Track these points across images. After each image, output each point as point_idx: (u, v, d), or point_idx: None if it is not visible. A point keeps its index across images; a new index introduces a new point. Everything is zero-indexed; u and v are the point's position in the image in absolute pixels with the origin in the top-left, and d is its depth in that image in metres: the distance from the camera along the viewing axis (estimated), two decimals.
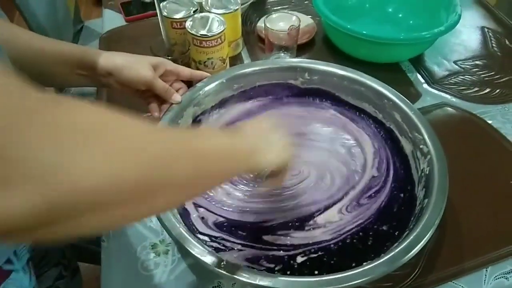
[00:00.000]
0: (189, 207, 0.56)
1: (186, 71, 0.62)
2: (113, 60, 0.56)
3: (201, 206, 0.56)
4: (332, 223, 0.53)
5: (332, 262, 0.50)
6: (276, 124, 0.48)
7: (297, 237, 0.53)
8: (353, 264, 0.49)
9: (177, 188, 0.32)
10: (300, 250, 0.51)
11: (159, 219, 0.49)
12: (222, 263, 0.44)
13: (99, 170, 0.24)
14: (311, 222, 0.54)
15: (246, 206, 0.56)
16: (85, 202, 0.23)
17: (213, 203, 0.56)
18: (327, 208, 0.55)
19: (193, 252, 0.45)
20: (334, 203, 0.56)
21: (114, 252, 0.56)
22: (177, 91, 0.61)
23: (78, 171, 0.23)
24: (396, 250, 0.44)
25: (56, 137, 0.22)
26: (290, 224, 0.54)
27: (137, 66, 0.57)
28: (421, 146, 0.55)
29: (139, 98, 0.61)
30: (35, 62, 0.54)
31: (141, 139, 0.29)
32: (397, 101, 0.60)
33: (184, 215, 0.55)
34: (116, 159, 0.25)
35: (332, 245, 0.52)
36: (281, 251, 0.51)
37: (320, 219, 0.54)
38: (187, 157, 0.32)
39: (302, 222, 0.54)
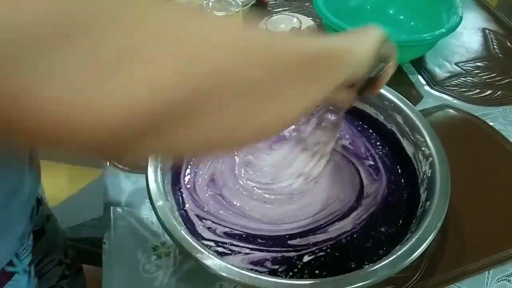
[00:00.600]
0: (195, 219, 0.55)
1: None
2: None
3: (207, 219, 0.56)
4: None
5: (335, 262, 0.50)
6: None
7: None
8: (353, 265, 0.50)
9: (258, 94, 0.26)
10: (304, 251, 0.51)
11: (160, 221, 0.48)
12: (224, 266, 0.44)
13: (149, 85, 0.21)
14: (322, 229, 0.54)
15: (261, 214, 0.56)
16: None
17: (227, 213, 0.56)
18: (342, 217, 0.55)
19: (194, 255, 0.45)
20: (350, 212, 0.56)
21: (115, 254, 0.56)
22: None
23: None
24: (398, 253, 0.44)
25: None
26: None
27: None
28: (422, 148, 0.55)
29: None
30: None
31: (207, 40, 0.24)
32: (398, 103, 0.60)
33: (189, 224, 0.54)
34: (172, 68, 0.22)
35: (334, 245, 0.52)
36: (291, 252, 0.51)
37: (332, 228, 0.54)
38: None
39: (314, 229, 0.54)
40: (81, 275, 0.81)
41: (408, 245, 0.45)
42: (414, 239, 0.45)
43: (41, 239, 0.64)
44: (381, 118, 0.64)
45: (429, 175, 0.53)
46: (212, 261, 0.44)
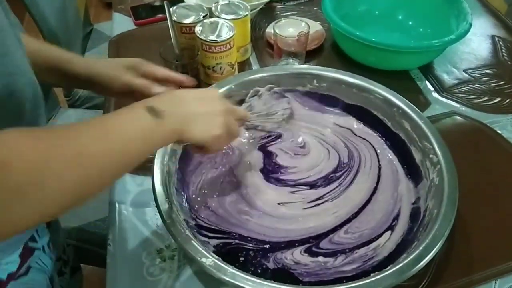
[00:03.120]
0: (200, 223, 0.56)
1: (161, 71, 0.61)
2: (89, 71, 0.58)
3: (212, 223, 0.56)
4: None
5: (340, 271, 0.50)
6: (219, 96, 0.50)
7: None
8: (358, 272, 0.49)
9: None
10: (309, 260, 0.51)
11: (165, 224, 0.48)
12: (228, 271, 0.44)
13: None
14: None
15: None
16: None
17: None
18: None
19: (199, 259, 0.45)
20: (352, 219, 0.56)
21: (119, 257, 0.56)
22: None
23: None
24: (405, 261, 0.44)
25: None
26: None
27: (109, 73, 0.58)
28: (430, 156, 0.55)
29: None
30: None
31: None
32: (406, 109, 0.60)
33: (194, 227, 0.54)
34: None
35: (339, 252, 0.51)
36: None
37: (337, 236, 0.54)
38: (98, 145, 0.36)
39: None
40: (78, 275, 0.81)
41: (415, 254, 0.44)
42: (421, 248, 0.45)
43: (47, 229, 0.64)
44: (388, 124, 0.63)
45: (436, 182, 0.52)
46: (216, 266, 0.44)
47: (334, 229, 0.54)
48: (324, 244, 0.53)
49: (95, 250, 0.88)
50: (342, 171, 0.60)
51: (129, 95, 0.60)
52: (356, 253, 0.51)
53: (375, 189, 0.58)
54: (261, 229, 0.55)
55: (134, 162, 0.41)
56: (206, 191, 0.59)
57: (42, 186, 0.32)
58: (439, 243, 0.45)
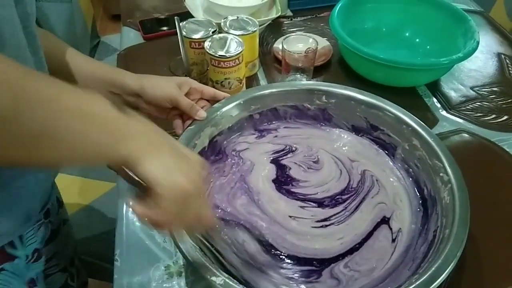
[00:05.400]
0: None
1: (209, 90, 0.63)
2: (140, 81, 0.59)
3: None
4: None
5: None
6: (201, 161, 0.42)
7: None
8: None
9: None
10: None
11: (174, 240, 0.48)
12: None
13: None
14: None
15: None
16: None
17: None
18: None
19: (208, 277, 0.44)
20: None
21: (126, 272, 0.55)
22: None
23: None
24: (417, 283, 0.43)
25: None
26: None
27: (163, 84, 0.59)
28: (441, 174, 0.54)
29: (165, 119, 0.62)
30: (72, 78, 0.58)
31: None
32: (416, 127, 0.60)
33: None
34: None
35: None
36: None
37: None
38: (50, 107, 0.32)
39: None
40: None
41: (426, 275, 0.44)
42: (433, 268, 0.44)
43: (54, 240, 0.65)
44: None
45: (447, 202, 0.52)
46: (226, 285, 0.43)
47: (337, 258, 0.53)
48: (325, 274, 0.52)
49: (99, 263, 0.88)
50: (349, 195, 0.60)
51: (168, 113, 0.61)
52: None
53: (378, 225, 0.57)
54: (270, 234, 0.55)
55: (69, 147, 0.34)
56: (215, 195, 0.59)
57: (17, 116, 0.30)
58: (451, 265, 0.44)
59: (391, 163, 0.64)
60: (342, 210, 0.58)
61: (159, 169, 0.36)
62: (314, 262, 0.53)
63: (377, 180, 0.62)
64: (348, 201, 0.59)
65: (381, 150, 0.66)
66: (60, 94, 0.34)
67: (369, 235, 0.55)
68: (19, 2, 0.43)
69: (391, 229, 0.56)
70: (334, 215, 0.57)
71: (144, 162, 0.36)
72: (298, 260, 0.53)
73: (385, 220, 0.57)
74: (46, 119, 0.32)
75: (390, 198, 0.59)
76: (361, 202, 0.59)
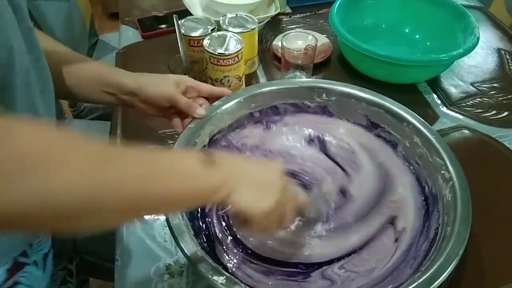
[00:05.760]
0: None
1: (206, 88, 0.63)
2: (138, 80, 0.58)
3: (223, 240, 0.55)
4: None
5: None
6: (282, 170, 0.44)
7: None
8: None
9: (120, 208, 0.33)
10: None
11: (175, 239, 0.48)
12: (239, 287, 0.43)
13: (31, 198, 0.27)
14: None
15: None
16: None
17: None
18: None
19: (209, 276, 0.44)
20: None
21: (127, 272, 0.55)
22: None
23: (7, 197, 0.26)
24: (419, 281, 0.43)
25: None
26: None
27: (160, 83, 0.58)
28: (442, 172, 0.54)
29: (162, 117, 0.62)
30: (67, 76, 0.58)
31: (86, 164, 0.30)
32: (417, 124, 0.60)
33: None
34: (52, 184, 0.28)
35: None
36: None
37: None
38: (138, 179, 0.33)
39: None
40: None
41: (428, 274, 0.44)
42: (435, 267, 0.44)
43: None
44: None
45: (449, 199, 0.52)
46: (228, 284, 0.43)
47: (331, 261, 0.53)
48: (315, 275, 0.51)
49: (100, 263, 0.87)
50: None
51: (166, 112, 0.61)
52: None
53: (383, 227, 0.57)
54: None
55: (157, 207, 0.37)
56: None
57: (48, 169, 0.28)
58: (453, 263, 0.44)
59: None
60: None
61: (247, 198, 0.40)
62: (299, 266, 0.53)
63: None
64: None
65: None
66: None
67: (373, 237, 0.55)
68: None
69: (395, 228, 0.56)
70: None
71: (233, 195, 0.39)
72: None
73: (391, 220, 0.57)
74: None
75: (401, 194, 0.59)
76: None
